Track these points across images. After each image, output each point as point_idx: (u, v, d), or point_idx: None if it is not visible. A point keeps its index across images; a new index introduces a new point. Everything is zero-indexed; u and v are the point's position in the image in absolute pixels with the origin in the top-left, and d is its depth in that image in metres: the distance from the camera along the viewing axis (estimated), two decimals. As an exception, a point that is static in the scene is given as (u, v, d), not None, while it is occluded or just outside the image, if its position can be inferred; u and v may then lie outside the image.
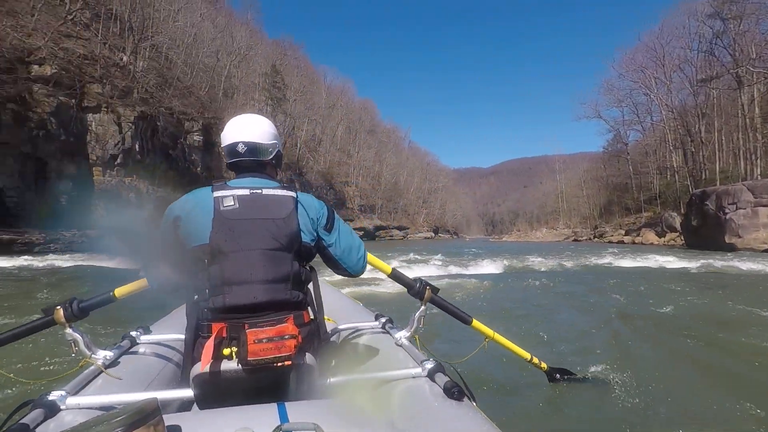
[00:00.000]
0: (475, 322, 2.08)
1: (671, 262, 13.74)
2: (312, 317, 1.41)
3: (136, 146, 24.34)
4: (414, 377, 1.32)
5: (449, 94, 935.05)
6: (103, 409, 1.12)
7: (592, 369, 3.18)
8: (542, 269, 12.32)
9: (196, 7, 40.08)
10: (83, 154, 21.92)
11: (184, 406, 1.42)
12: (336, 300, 2.39)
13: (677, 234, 32.02)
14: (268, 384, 1.24)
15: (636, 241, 35.93)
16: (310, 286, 1.47)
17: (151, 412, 0.82)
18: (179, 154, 29.19)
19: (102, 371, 1.32)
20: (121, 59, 27.30)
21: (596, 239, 44.91)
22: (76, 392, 1.18)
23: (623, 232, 41.57)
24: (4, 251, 15.17)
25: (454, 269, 11.75)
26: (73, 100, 21.13)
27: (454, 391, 1.16)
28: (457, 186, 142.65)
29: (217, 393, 1.22)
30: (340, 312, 2.16)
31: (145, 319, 1.88)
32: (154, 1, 31.78)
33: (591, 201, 62.72)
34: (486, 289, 7.96)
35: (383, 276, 1.93)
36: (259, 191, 1.38)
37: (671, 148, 44.00)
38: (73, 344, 1.36)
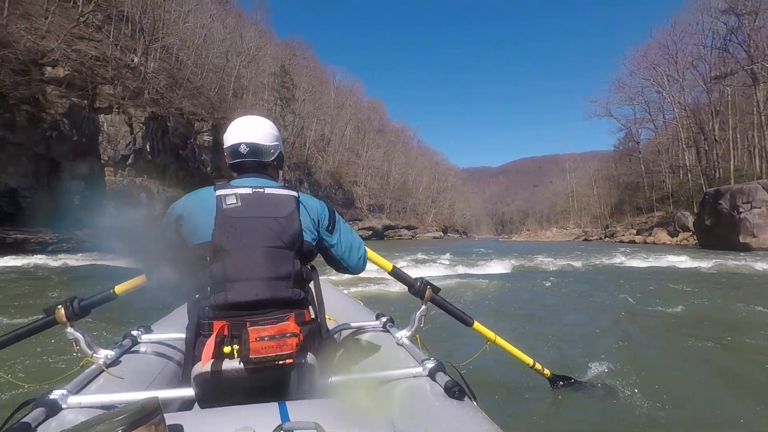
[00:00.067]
0: (477, 325, 2.05)
1: (683, 262, 13.53)
2: (313, 316, 1.42)
3: (147, 146, 24.63)
4: (415, 377, 1.31)
5: (450, 94, 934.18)
6: (105, 408, 1.12)
7: (598, 373, 3.11)
8: (551, 269, 12.20)
9: (206, 8, 40.37)
10: (95, 154, 22.27)
11: (185, 405, 1.42)
12: (337, 299, 2.39)
13: (690, 233, 31.56)
14: (269, 383, 1.24)
15: (648, 241, 35.48)
16: (312, 285, 1.47)
17: (152, 411, 0.82)
18: (189, 154, 29.48)
19: (103, 370, 1.32)
20: (132, 60, 27.63)
21: (607, 239, 44.41)
22: (77, 391, 1.18)
23: (635, 231, 41.10)
24: (18, 250, 15.49)
25: (462, 269, 11.71)
26: (86, 101, 21.43)
27: (455, 391, 1.15)
28: (466, 185, 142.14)
29: (218, 392, 1.22)
30: (341, 311, 2.16)
31: (146, 318, 1.89)
32: (164, 3, 32.07)
33: (602, 200, 62.16)
34: (494, 290, 7.90)
35: (384, 276, 1.93)
36: (262, 190, 1.39)
37: (684, 146, 43.45)
38: (74, 344, 1.36)
